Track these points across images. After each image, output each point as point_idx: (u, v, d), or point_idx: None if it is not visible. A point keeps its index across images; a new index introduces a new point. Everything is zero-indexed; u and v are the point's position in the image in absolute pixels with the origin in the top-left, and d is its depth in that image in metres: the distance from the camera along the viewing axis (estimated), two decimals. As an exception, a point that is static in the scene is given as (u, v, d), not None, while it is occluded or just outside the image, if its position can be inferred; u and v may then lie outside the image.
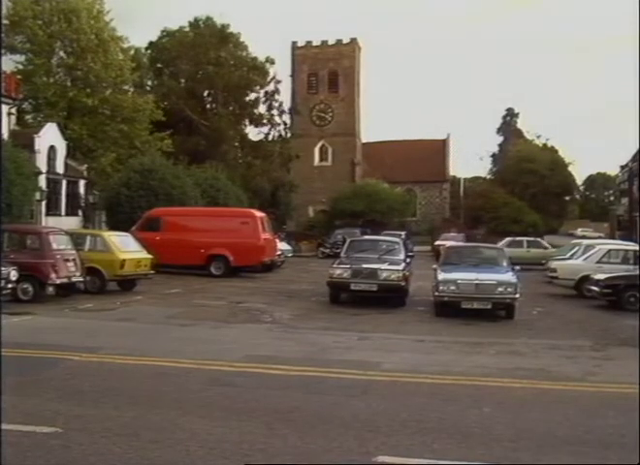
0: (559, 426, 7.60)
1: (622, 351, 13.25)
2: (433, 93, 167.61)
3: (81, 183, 40.92)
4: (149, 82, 55.26)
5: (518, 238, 42.39)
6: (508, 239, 41.51)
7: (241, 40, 57.39)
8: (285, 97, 67.91)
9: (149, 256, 21.38)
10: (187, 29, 56.62)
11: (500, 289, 16.84)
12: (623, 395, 9.33)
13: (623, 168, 65.07)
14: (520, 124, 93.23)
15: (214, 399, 8.29)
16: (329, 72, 73.45)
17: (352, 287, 18.65)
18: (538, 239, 43.18)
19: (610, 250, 24.88)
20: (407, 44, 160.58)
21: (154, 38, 56.77)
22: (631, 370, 11.19)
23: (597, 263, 23.52)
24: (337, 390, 8.95)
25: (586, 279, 22.43)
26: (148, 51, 55.95)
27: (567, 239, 44.03)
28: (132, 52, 49.71)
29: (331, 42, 73.59)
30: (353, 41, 73.67)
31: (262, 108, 58.39)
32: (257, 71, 56.58)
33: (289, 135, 60.46)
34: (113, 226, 31.05)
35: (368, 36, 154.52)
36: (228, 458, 6.20)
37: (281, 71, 76.71)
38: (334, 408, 8.09)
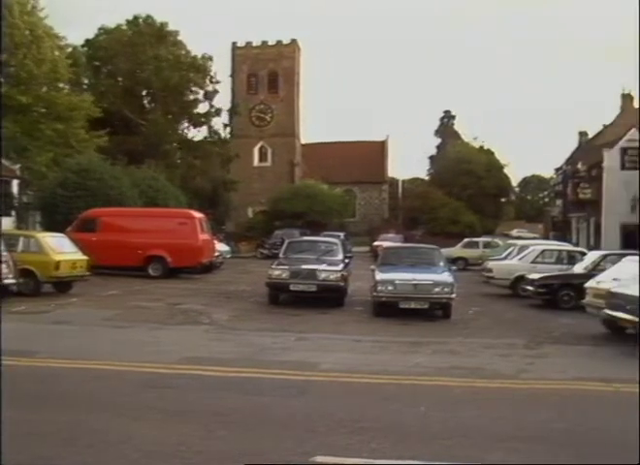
0: (492, 423, 7.76)
1: (555, 348, 13.58)
2: (373, 95, 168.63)
3: (15, 183, 39.97)
4: (86, 81, 54.32)
5: (475, 239, 43.17)
6: (466, 240, 42.33)
7: (180, 39, 56.92)
8: (225, 97, 67.73)
9: (85, 257, 21.02)
10: (125, 27, 55.87)
11: (437, 289, 17.07)
12: (554, 391, 9.58)
13: (557, 170, 66.44)
14: (457, 126, 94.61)
15: (151, 402, 8.22)
16: (269, 72, 73.30)
17: (291, 287, 18.67)
18: (495, 239, 43.96)
19: (544, 250, 25.45)
20: (347, 45, 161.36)
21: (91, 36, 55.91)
22: (563, 367, 11.52)
23: (532, 262, 24.03)
24: (275, 391, 8.96)
25: (521, 279, 22.88)
26: (85, 49, 55.00)
27: (504, 239, 44.80)
28: (69, 50, 48.75)
29: (271, 42, 73.45)
30: (293, 42, 73.67)
31: (201, 108, 58.00)
32: (196, 70, 56.14)
33: (229, 135, 60.17)
34: (48, 227, 30.39)
35: (308, 37, 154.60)
36: (165, 461, 6.16)
37: (221, 71, 76.46)
38: (271, 409, 8.10)
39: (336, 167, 73.49)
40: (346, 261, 20.88)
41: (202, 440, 6.74)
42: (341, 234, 45.60)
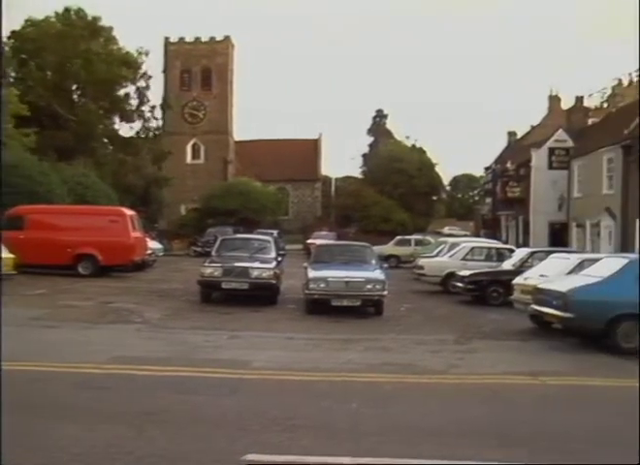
0: (423, 418, 7.89)
1: (484, 344, 13.87)
2: (306, 94, 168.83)
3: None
4: (13, 74, 52.89)
5: (406, 237, 43.67)
6: (398, 238, 42.84)
7: (113, 33, 55.92)
8: (157, 93, 66.83)
9: (12, 255, 20.54)
10: (54, 19, 54.58)
11: (369, 286, 17.23)
12: (483, 386, 9.79)
13: (487, 169, 67.62)
14: (389, 125, 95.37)
15: (81, 403, 8.09)
16: (202, 69, 72.72)
17: (223, 285, 18.59)
18: (427, 237, 44.51)
19: (474, 248, 25.93)
20: (280, 43, 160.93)
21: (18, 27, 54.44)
22: (492, 362, 11.80)
23: (462, 260, 24.47)
24: (208, 390, 8.93)
25: (451, 276, 23.27)
26: (11, 41, 53.53)
27: (435, 237, 45.46)
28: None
29: (204, 39, 72.88)
30: (227, 38, 73.22)
31: (133, 104, 57.13)
32: (128, 65, 55.26)
33: (161, 131, 59.46)
34: (-28, 225, 29.56)
35: (242, 34, 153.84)
36: (94, 463, 6.08)
37: (154, 67, 75.44)
38: (204, 408, 8.07)
39: (269, 164, 73.43)
40: (279, 258, 20.89)
41: (132, 440, 6.68)
42: (275, 232, 45.69)
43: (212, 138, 71.45)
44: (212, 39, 72.92)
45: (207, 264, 19.25)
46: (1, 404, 7.20)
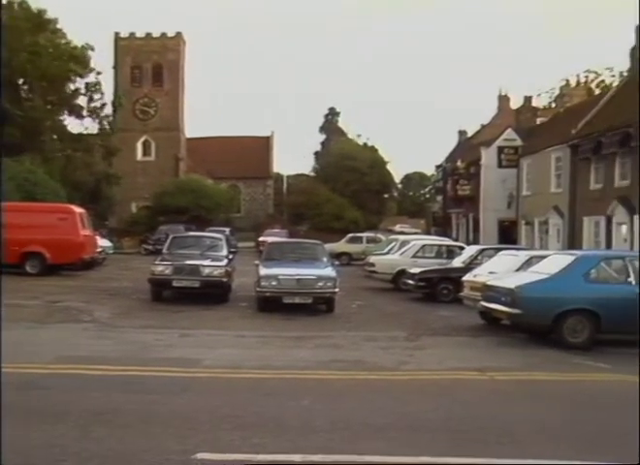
0: (373, 414, 7.93)
1: (434, 340, 14.02)
2: (258, 91, 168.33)
3: None
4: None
5: (358, 234, 43.84)
6: (349, 235, 42.98)
7: (60, 27, 54.97)
8: (107, 89, 65.92)
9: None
10: (-3, 12, 53.45)
11: (320, 283, 17.28)
12: (432, 382, 9.90)
13: (438, 167, 68.21)
14: (341, 123, 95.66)
15: (27, 403, 7.95)
16: (153, 65, 71.98)
17: (174, 284, 18.47)
18: (378, 235, 44.73)
19: (424, 245, 26.15)
20: (233, 40, 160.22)
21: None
22: (441, 358, 11.92)
23: (413, 257, 24.67)
24: (158, 389, 8.86)
25: (402, 273, 23.44)
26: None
27: (387, 235, 45.75)
28: None
29: (155, 34, 72.15)
30: (178, 34, 72.57)
31: (82, 100, 56.25)
32: (77, 60, 54.36)
33: (111, 128, 58.66)
34: None
35: (193, 30, 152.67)
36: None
37: (104, 62, 74.30)
38: (154, 407, 8.00)
39: (221, 162, 73.11)
40: (230, 256, 20.82)
41: (78, 441, 6.59)
42: (226, 230, 45.52)
43: (163, 134, 70.78)
44: (164, 35, 72.21)
45: (157, 263, 19.10)
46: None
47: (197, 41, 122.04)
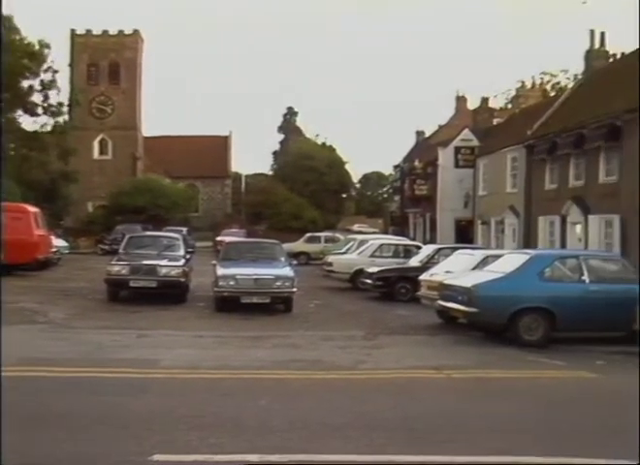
0: (330, 414, 7.95)
1: (391, 339, 14.11)
2: (216, 90, 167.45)
3: None
4: None
5: (316, 234, 43.88)
6: (308, 235, 43.00)
7: (14, 22, 54.08)
8: (63, 87, 65.00)
9: None
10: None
11: (278, 283, 17.29)
12: (390, 380, 9.97)
13: (395, 167, 68.51)
14: (299, 123, 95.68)
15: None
16: (110, 63, 71.16)
17: (131, 284, 18.33)
18: (337, 234, 44.81)
19: (382, 244, 26.29)
20: (190, 39, 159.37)
21: None
22: (399, 357, 12.01)
23: (371, 256, 24.78)
24: (114, 390, 8.77)
25: (360, 272, 23.53)
26: None
27: (345, 234, 45.90)
28: None
29: (112, 32, 71.34)
30: (136, 32, 71.87)
31: (37, 97, 55.38)
32: (31, 57, 53.54)
33: (67, 126, 57.86)
34: None
35: (151, 28, 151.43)
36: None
37: (60, 59, 73.33)
38: (110, 409, 7.91)
39: (178, 161, 72.58)
40: (188, 256, 20.71)
41: (31, 444, 6.48)
42: (184, 230, 45.25)
43: (120, 133, 70.03)
44: (121, 32, 71.44)
45: (114, 263, 18.93)
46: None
47: (155, 39, 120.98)
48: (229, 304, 17.24)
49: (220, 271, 17.62)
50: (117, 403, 8.17)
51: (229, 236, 39.92)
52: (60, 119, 55.70)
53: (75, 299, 19.32)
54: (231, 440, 6.79)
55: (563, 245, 27.54)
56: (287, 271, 17.97)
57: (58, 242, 34.30)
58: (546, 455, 6.58)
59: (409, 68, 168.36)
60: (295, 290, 17.52)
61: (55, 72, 54.79)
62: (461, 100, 60.33)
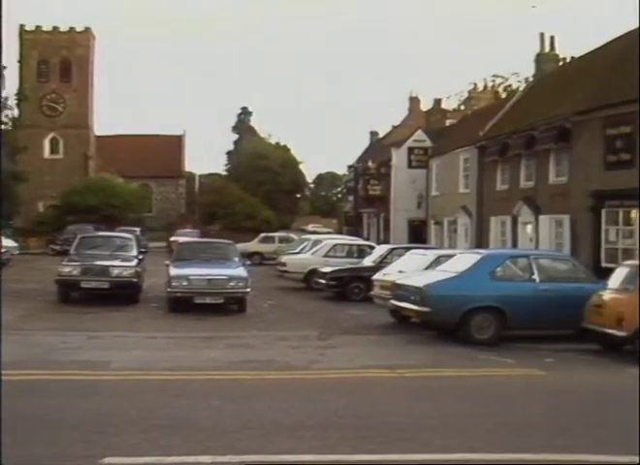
0: (283, 414, 7.96)
1: (345, 339, 14.18)
2: (170, 89, 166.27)
3: None
4: None
5: (270, 234, 43.83)
6: (262, 235, 42.92)
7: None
8: (13, 84, 63.88)
9: None
10: None
11: (232, 283, 17.25)
12: (342, 380, 10.01)
13: (350, 167, 68.74)
14: (253, 122, 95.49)
15: None
16: (61, 60, 70.10)
17: (82, 285, 18.11)
18: (290, 234, 44.80)
19: (336, 244, 26.39)
20: (143, 37, 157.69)
21: None
22: (352, 356, 12.07)
23: (324, 256, 24.85)
24: (64, 393, 8.66)
25: (314, 272, 23.57)
26: None
27: (299, 234, 45.96)
28: None
29: (63, 28, 70.26)
30: (87, 29, 70.91)
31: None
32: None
33: (16, 124, 56.87)
34: None
35: (103, 25, 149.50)
36: None
37: (8, 56, 71.94)
38: (60, 411, 7.81)
39: (131, 160, 71.85)
40: (140, 256, 20.54)
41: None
42: (137, 230, 44.83)
43: (72, 132, 69.03)
44: (72, 29, 70.43)
45: (65, 263, 18.70)
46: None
47: (107, 36, 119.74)
48: (182, 305, 17.14)
49: (173, 272, 17.52)
50: (68, 406, 8.08)
51: (182, 237, 39.68)
52: (8, 117, 54.68)
53: (25, 301, 18.99)
54: (183, 441, 6.74)
55: (515, 245, 27.92)
56: (241, 271, 17.94)
57: (8, 243, 33.73)
58: (496, 452, 6.67)
59: (363, 68, 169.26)
60: (248, 290, 17.49)
61: (4, 68, 53.80)
62: (414, 101, 60.79)
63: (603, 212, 22.14)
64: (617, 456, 6.59)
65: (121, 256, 19.48)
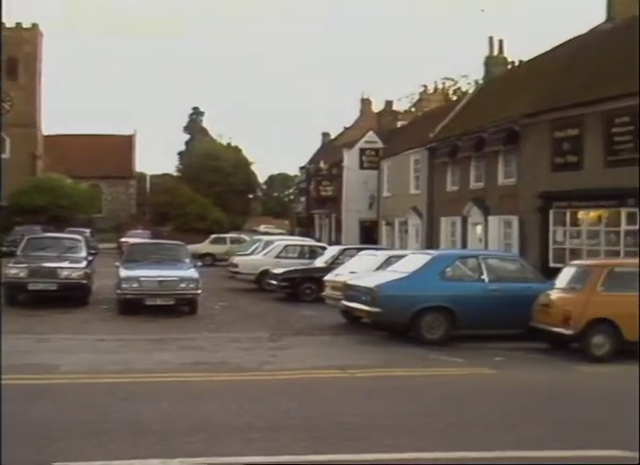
0: (234, 415, 7.93)
1: (296, 340, 14.18)
2: (120, 89, 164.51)
3: None
4: None
5: (222, 235, 43.65)
6: (213, 236, 42.73)
7: None
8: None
9: None
10: None
11: (183, 285, 17.13)
12: (293, 381, 10.02)
13: (302, 168, 68.81)
14: (205, 123, 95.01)
15: None
16: (7, 57, 68.85)
17: (30, 287, 17.77)
18: (242, 235, 44.66)
19: (287, 245, 26.39)
20: (93, 35, 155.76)
21: None
22: (303, 357, 12.09)
23: (276, 257, 24.83)
24: (12, 397, 8.47)
25: (265, 273, 23.53)
26: None
27: (251, 235, 45.91)
28: None
29: (9, 25, 68.95)
30: (35, 26, 69.78)
31: None
32: None
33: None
34: None
35: (50, 22, 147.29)
36: None
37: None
38: (7, 416, 7.63)
39: (81, 160, 70.85)
40: (90, 258, 20.28)
41: None
42: (87, 231, 44.28)
43: (19, 131, 67.78)
44: (19, 25, 69.22)
45: (12, 265, 18.35)
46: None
47: (55, 34, 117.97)
48: (132, 306, 16.97)
49: (123, 273, 17.34)
50: (15, 410, 7.91)
51: (133, 238, 39.29)
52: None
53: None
54: (132, 445, 6.68)
55: (464, 245, 28.27)
56: (192, 273, 17.82)
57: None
58: (449, 450, 6.74)
59: (316, 69, 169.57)
60: (200, 291, 17.40)
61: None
62: (365, 102, 61.10)
63: (551, 213, 22.56)
64: (556, 451, 6.74)
65: (70, 257, 19.21)
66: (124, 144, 77.96)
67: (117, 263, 19.09)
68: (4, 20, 68.65)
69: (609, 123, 20.53)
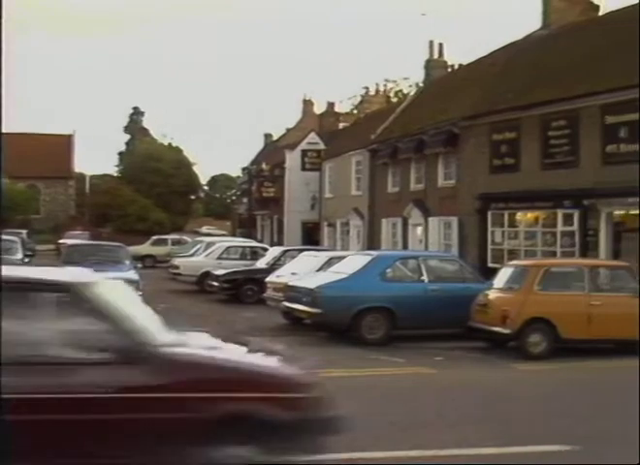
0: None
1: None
2: (59, 88, 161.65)
3: None
4: None
5: (163, 236, 43.24)
6: (154, 237, 42.29)
7: None
8: None
9: None
10: None
11: (123, 287, 16.86)
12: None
13: (244, 169, 68.52)
14: (146, 123, 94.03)
15: None
16: (-60, 55, 67.19)
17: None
18: (184, 237, 44.30)
19: (229, 247, 26.29)
20: (30, 31, 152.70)
21: None
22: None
23: (218, 259, 24.74)
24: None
25: (207, 275, 23.39)
26: None
27: (193, 236, 45.59)
28: None
29: (-59, 22, 67.33)
30: (-33, 23, 68.24)
31: None
32: None
33: None
34: None
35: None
36: None
37: None
38: None
39: (18, 160, 69.06)
40: (27, 260, 19.87)
41: None
42: (23, 232, 43.33)
43: (-48, 130, 66.25)
44: (-48, 24, 67.58)
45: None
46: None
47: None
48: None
49: (60, 275, 17.00)
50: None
51: (72, 239, 38.67)
52: None
53: None
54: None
55: (405, 246, 28.49)
56: (131, 274, 17.55)
57: None
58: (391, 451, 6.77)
59: (257, 70, 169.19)
60: (140, 293, 17.14)
61: None
62: (307, 104, 61.14)
63: (489, 214, 22.89)
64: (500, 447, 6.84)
65: (5, 259, 18.77)
66: (63, 144, 76.53)
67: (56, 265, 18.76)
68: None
69: (545, 126, 20.93)
